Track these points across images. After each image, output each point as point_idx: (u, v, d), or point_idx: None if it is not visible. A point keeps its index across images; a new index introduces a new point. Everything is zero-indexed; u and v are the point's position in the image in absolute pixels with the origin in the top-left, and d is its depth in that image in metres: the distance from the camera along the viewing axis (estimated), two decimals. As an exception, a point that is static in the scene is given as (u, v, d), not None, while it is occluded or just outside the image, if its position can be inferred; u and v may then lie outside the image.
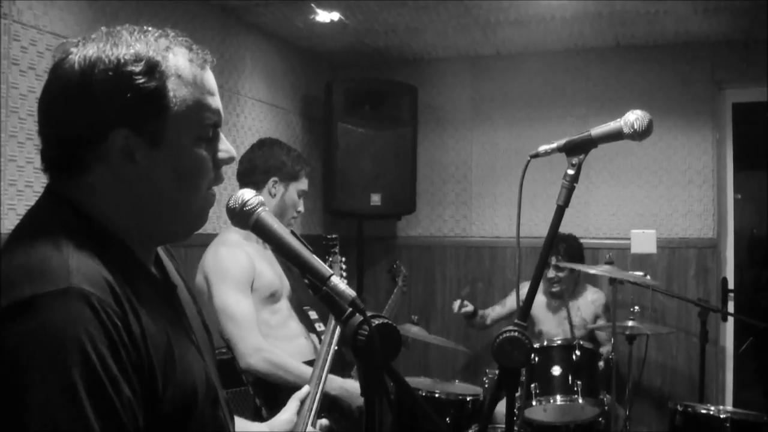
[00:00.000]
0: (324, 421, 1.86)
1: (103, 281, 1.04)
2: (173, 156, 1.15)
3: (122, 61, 1.11)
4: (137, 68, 1.11)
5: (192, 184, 1.19)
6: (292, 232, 1.26)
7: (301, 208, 3.24)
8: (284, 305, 3.20)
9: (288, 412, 1.75)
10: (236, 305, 2.90)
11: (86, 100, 1.10)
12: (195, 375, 1.17)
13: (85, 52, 1.12)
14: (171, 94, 1.14)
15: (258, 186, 3.13)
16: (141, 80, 1.11)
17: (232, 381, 3.75)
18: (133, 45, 1.13)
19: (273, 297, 3.07)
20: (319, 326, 3.22)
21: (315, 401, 1.99)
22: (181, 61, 1.16)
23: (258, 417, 2.91)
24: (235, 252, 3.01)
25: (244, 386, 3.74)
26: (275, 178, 3.15)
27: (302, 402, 1.81)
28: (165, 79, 1.13)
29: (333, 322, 2.30)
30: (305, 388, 1.87)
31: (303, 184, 3.23)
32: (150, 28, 1.18)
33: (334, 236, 2.74)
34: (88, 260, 1.05)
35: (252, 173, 3.18)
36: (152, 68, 1.12)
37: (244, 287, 2.94)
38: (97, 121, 1.11)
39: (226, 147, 1.24)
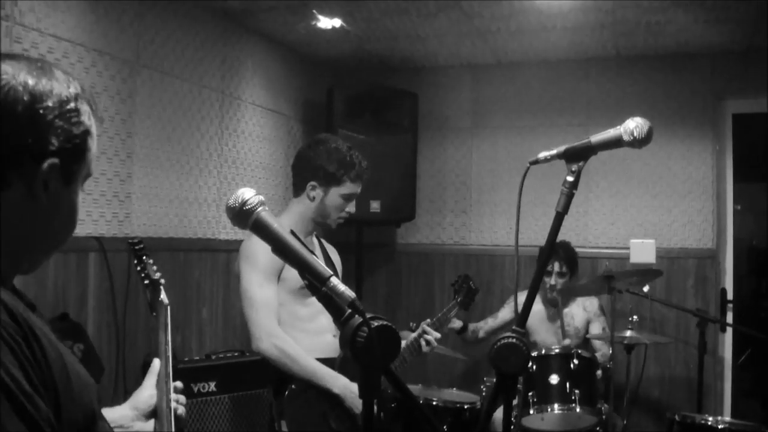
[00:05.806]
0: (179, 384, 1.83)
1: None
2: (72, 196, 1.17)
3: (67, 97, 1.12)
4: (81, 107, 1.14)
5: (73, 226, 1.20)
6: (292, 232, 1.26)
7: (350, 209, 3.11)
8: None
9: (148, 389, 1.76)
10: (257, 290, 2.89)
11: (34, 124, 1.09)
12: (91, 391, 1.15)
13: (24, 79, 1.09)
14: (90, 139, 1.17)
15: (298, 189, 3.06)
16: (83, 119, 1.14)
17: (247, 384, 3.75)
18: (71, 84, 1.15)
19: (304, 290, 2.99)
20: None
21: (169, 367, 1.92)
22: (90, 113, 1.19)
23: (271, 424, 2.92)
24: None
25: (260, 389, 3.75)
26: (313, 183, 3.01)
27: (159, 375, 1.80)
28: (90, 123, 1.17)
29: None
30: (157, 362, 1.84)
31: (347, 188, 3.05)
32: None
33: None
34: None
35: (294, 176, 3.10)
36: (87, 111, 1.16)
37: (269, 274, 2.90)
38: (41, 144, 1.09)
39: None
